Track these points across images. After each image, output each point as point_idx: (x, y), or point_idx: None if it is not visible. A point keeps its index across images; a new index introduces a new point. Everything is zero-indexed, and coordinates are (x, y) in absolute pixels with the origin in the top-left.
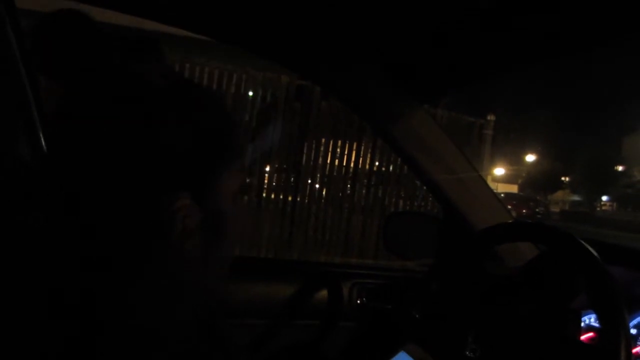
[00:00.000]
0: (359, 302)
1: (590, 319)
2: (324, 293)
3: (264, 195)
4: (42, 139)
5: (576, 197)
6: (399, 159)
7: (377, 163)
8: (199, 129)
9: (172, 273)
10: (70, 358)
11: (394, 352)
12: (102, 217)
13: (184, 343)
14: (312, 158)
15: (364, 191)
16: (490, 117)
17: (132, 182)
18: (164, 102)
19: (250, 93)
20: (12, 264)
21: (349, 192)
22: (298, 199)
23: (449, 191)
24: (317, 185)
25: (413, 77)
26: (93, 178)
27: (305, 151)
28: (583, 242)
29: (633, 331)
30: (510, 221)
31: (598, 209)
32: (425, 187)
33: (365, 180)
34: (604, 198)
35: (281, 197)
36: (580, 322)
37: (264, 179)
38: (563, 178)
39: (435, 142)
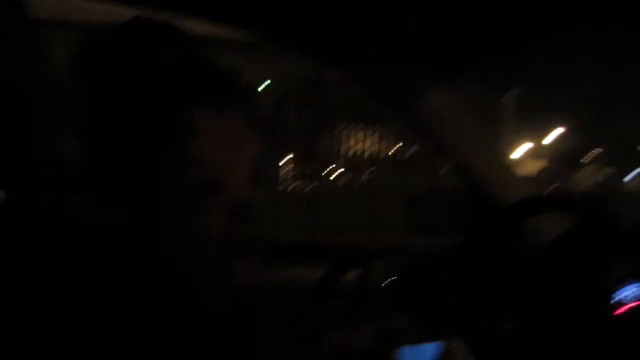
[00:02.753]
0: (389, 281)
1: (629, 291)
2: (353, 274)
3: (284, 185)
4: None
5: (608, 170)
6: (418, 145)
7: (397, 147)
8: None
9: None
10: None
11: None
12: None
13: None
14: (331, 145)
15: (385, 175)
16: (513, 93)
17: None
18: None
19: (265, 84)
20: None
21: (369, 176)
22: (319, 187)
23: (473, 169)
24: (337, 172)
25: (431, 53)
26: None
27: (323, 138)
28: (619, 209)
29: None
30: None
31: (629, 182)
32: (448, 167)
33: (386, 164)
34: (635, 171)
35: (302, 185)
36: (614, 295)
37: (283, 169)
38: (591, 152)
39: (456, 120)
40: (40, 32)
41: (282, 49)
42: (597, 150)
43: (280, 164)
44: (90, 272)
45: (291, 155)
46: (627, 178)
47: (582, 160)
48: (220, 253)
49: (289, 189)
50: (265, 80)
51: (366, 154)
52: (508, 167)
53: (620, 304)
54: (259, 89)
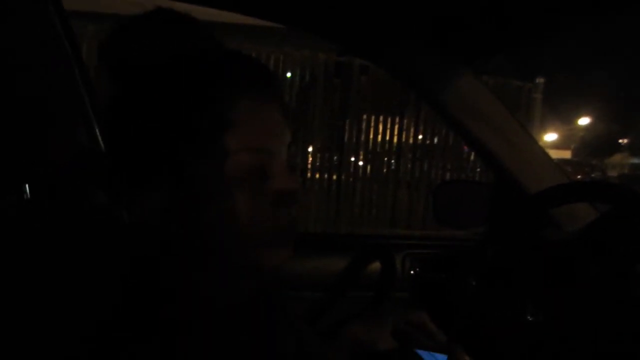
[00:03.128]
0: (412, 272)
1: None
2: (376, 264)
3: (308, 175)
4: (98, 128)
5: (636, 160)
6: (444, 131)
7: (420, 136)
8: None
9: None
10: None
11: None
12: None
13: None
14: (355, 135)
15: (409, 165)
16: (540, 81)
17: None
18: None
19: (289, 74)
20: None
21: (393, 167)
22: (343, 177)
23: (501, 156)
24: (360, 162)
25: (459, 39)
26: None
27: (347, 128)
28: None
29: None
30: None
31: None
32: (474, 155)
33: (410, 154)
34: None
35: (325, 176)
36: None
37: (308, 159)
38: (621, 140)
39: (484, 106)
40: (70, 24)
41: (310, 35)
42: (624, 140)
43: (305, 153)
44: (128, 261)
45: (316, 145)
46: None
47: (609, 150)
48: (263, 239)
49: (313, 179)
50: (291, 68)
51: (391, 144)
52: (537, 155)
53: None
54: (287, 77)
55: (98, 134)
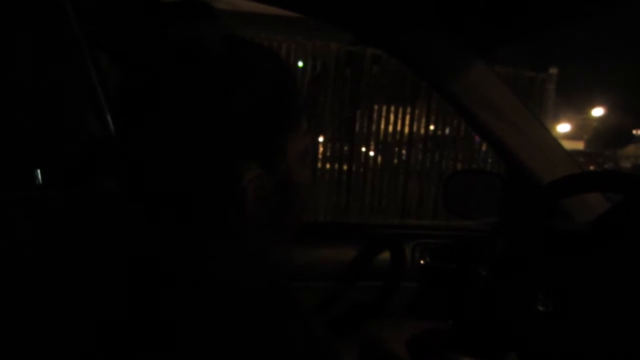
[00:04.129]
0: (422, 262)
1: None
2: (386, 254)
3: (319, 165)
4: (109, 117)
5: None
6: (455, 122)
7: (432, 127)
8: (262, 92)
9: (245, 240)
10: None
11: None
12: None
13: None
14: (366, 125)
15: (420, 156)
16: (553, 71)
17: (202, 153)
18: (225, 68)
19: (300, 64)
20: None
21: (404, 157)
22: (353, 168)
23: (512, 145)
24: (371, 153)
25: (469, 28)
26: (163, 151)
27: (358, 118)
28: None
29: None
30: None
31: None
32: (485, 146)
33: (421, 145)
34: None
35: (336, 166)
36: None
37: (319, 149)
38: (634, 131)
39: (496, 95)
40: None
41: (322, 24)
42: (638, 131)
43: (315, 143)
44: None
45: (326, 135)
46: None
47: (622, 141)
48: (271, 238)
49: (324, 169)
50: (303, 58)
51: (402, 134)
52: (549, 145)
53: None
54: (298, 67)
55: (111, 124)
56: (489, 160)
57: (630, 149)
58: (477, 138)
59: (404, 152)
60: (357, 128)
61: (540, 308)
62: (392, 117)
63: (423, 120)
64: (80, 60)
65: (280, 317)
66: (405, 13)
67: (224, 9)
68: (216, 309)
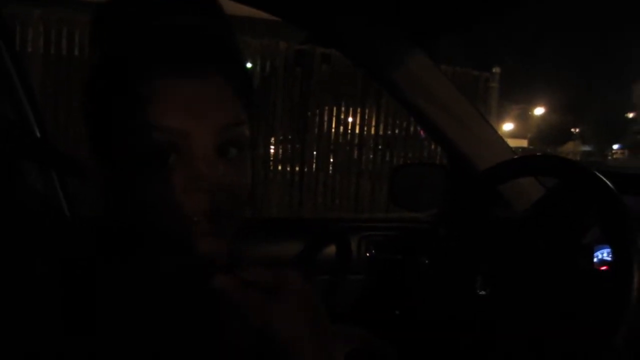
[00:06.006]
0: (367, 254)
1: (603, 254)
2: (332, 248)
3: (271, 167)
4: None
5: (587, 148)
6: (404, 123)
7: (382, 126)
8: None
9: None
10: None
11: None
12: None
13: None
14: (317, 125)
15: (371, 155)
16: (496, 70)
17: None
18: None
19: (249, 65)
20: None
21: (356, 157)
22: (305, 169)
23: (452, 135)
24: (323, 152)
25: (406, 16)
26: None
27: (309, 118)
28: (592, 170)
29: None
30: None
31: (610, 157)
32: (430, 136)
33: (372, 144)
34: (615, 146)
35: (288, 168)
36: (593, 256)
37: (270, 150)
38: (573, 129)
39: (435, 86)
40: None
41: (270, 23)
42: (576, 129)
43: (267, 144)
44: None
45: (277, 136)
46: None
47: (562, 139)
48: (178, 222)
49: (276, 170)
50: (252, 58)
51: (353, 134)
52: (488, 134)
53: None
54: (248, 66)
55: (32, 119)
56: (438, 158)
57: (570, 145)
58: (422, 133)
59: (355, 151)
60: (308, 128)
61: (479, 292)
62: (342, 116)
63: (373, 119)
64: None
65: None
66: (345, 5)
67: None
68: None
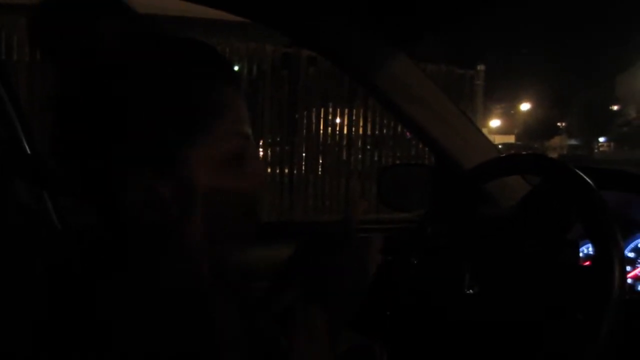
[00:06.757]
0: None
1: (588, 249)
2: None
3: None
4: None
5: (573, 142)
6: (392, 123)
7: (370, 126)
8: (150, 92)
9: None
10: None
11: None
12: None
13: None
14: (305, 127)
15: (360, 156)
16: (481, 68)
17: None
18: (113, 65)
19: (236, 67)
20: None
21: (345, 158)
22: (295, 171)
23: (437, 136)
24: (312, 154)
25: (388, 19)
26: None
27: (297, 120)
28: (572, 167)
29: (630, 254)
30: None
31: (596, 150)
32: (415, 137)
33: (360, 145)
34: (601, 139)
35: (277, 170)
36: (578, 251)
37: (259, 154)
38: (559, 124)
39: (418, 87)
40: None
41: (256, 26)
42: (562, 124)
43: (256, 146)
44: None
45: (266, 138)
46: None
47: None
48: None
49: (266, 171)
50: (238, 61)
51: (341, 135)
52: (472, 133)
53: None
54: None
55: (21, 133)
56: (426, 156)
57: (556, 140)
58: (408, 134)
59: (344, 152)
60: (297, 130)
61: (467, 291)
62: (330, 118)
63: (361, 120)
64: None
65: (209, 316)
66: (324, 7)
67: (154, 13)
68: (146, 309)
